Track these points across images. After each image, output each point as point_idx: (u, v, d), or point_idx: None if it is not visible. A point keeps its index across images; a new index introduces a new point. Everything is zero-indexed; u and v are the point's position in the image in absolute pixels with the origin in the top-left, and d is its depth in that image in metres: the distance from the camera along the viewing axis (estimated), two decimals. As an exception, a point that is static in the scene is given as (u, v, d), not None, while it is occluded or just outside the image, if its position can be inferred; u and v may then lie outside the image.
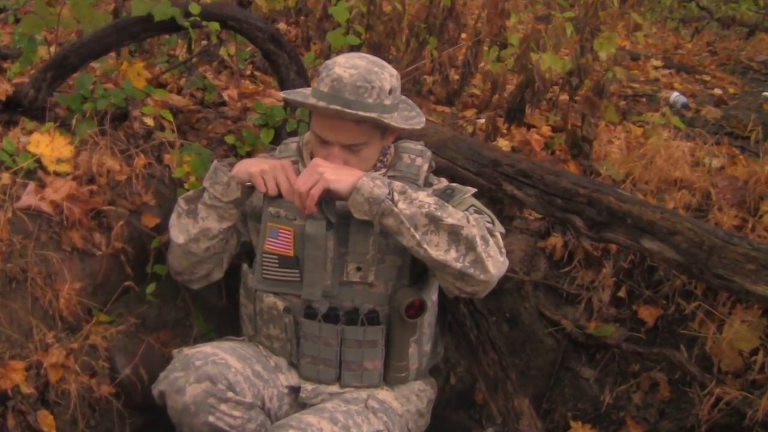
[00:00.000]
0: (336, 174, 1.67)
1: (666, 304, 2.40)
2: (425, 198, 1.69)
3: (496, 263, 1.71)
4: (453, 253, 1.67)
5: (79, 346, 2.03)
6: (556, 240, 2.59)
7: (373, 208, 1.67)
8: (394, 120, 1.77)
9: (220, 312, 2.41)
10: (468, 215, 1.72)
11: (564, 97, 3.53)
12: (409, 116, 1.88)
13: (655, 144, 2.84)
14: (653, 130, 3.03)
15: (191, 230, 1.88)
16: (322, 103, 1.72)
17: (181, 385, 1.71)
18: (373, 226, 1.77)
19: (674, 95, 4.38)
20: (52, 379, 1.94)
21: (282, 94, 2.02)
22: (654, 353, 2.34)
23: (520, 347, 2.57)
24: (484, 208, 1.84)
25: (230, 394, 1.71)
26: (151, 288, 2.21)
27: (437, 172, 2.54)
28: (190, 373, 1.72)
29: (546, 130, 3.22)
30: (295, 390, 1.89)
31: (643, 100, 4.43)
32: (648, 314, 2.42)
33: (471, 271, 1.69)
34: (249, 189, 1.83)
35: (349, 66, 1.75)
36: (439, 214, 1.66)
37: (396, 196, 1.66)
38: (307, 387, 1.88)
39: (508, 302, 2.58)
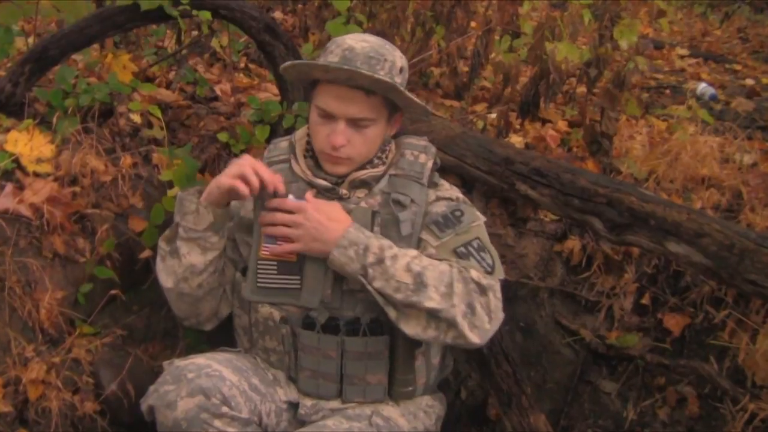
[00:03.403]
0: (312, 241, 1.71)
1: (694, 312, 2.40)
2: (403, 275, 1.68)
3: (483, 332, 1.72)
4: (432, 332, 1.71)
5: (60, 360, 2.03)
6: (573, 243, 2.59)
7: (349, 277, 1.74)
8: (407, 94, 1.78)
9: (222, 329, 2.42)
10: (454, 270, 1.71)
11: (581, 89, 3.52)
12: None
13: (680, 139, 2.83)
14: (678, 125, 3.02)
15: (177, 270, 1.87)
16: (334, 64, 1.72)
17: (172, 399, 1.71)
18: (371, 230, 1.78)
19: (702, 86, 4.37)
20: (32, 396, 1.94)
21: (283, 66, 1.85)
22: (681, 365, 2.33)
23: (536, 359, 2.56)
24: (488, 245, 1.83)
25: (225, 409, 1.70)
26: (85, 288, 2.19)
27: (445, 170, 2.54)
28: (182, 386, 1.71)
29: (562, 125, 3.22)
30: (294, 405, 1.89)
31: (668, 91, 4.42)
32: (674, 323, 2.41)
33: (452, 342, 1.73)
34: (224, 210, 1.83)
35: (360, 39, 1.78)
36: (415, 299, 1.67)
37: (370, 272, 1.68)
38: (307, 403, 1.87)
39: (523, 310, 2.58)
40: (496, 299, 1.74)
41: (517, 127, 3.21)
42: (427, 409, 1.97)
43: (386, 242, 1.71)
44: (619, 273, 2.53)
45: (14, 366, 1.94)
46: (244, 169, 1.71)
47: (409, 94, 1.75)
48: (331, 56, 1.76)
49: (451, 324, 1.68)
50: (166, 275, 1.89)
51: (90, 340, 2.14)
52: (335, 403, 1.87)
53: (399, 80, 1.78)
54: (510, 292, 2.57)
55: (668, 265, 2.46)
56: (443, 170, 2.56)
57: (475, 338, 1.70)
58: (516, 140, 3.03)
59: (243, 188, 1.71)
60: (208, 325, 2.02)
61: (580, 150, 2.99)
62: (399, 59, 1.80)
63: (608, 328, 2.50)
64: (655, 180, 2.69)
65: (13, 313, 2.01)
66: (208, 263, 1.86)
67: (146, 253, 2.27)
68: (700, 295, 2.39)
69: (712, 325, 2.35)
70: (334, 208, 1.75)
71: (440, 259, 1.74)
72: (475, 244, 1.79)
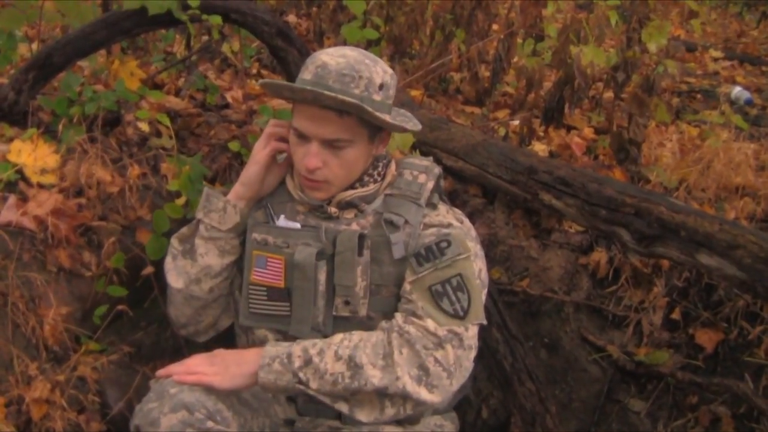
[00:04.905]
0: (221, 377, 1.71)
1: (727, 327, 2.39)
2: (335, 366, 1.67)
3: (443, 390, 1.69)
4: (390, 410, 1.69)
5: (65, 379, 2.03)
6: (600, 255, 2.58)
7: (288, 392, 1.75)
8: (383, 116, 1.72)
9: (219, 340, 2.42)
10: (393, 335, 1.68)
11: (608, 94, 3.52)
12: (403, 120, 1.84)
13: (713, 146, 2.83)
14: (711, 131, 3.02)
15: (190, 271, 1.87)
16: (299, 84, 1.71)
17: (155, 417, 1.70)
18: (360, 254, 1.76)
19: (736, 90, 4.36)
20: (35, 416, 1.94)
21: (259, 83, 1.92)
22: (714, 384, 2.32)
23: (561, 377, 2.55)
24: (470, 282, 1.74)
25: (210, 424, 1.68)
26: (100, 311, 2.19)
27: (466, 180, 2.55)
28: (165, 402, 1.70)
29: (588, 132, 3.23)
30: (292, 423, 1.89)
31: (700, 96, 4.42)
32: (707, 339, 2.40)
33: (416, 411, 1.72)
34: (248, 212, 1.85)
35: (337, 55, 1.74)
36: (356, 385, 1.66)
37: (302, 376, 1.67)
38: (305, 418, 1.89)
39: (547, 326, 2.57)
40: (459, 350, 1.69)
41: (541, 134, 3.21)
42: (436, 429, 1.93)
43: (307, 342, 1.70)
44: (648, 286, 2.52)
45: (17, 385, 1.95)
46: (269, 131, 1.85)
47: (379, 115, 1.68)
48: (306, 73, 1.73)
49: (404, 396, 1.66)
50: (176, 275, 1.89)
51: (96, 357, 2.14)
52: (334, 422, 1.87)
53: (378, 98, 1.73)
54: (534, 307, 2.57)
55: (700, 278, 2.45)
56: (463, 180, 2.57)
57: (437, 398, 1.68)
58: (540, 148, 3.03)
59: (281, 144, 1.83)
60: (203, 337, 2.01)
61: (607, 158, 2.98)
62: (379, 75, 1.74)
63: (637, 344, 2.50)
64: (686, 189, 2.68)
65: (16, 329, 2.02)
66: (224, 267, 1.87)
67: (149, 270, 2.27)
68: (734, 309, 2.38)
69: (747, 341, 2.34)
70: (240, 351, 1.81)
71: (410, 300, 1.72)
72: (454, 281, 1.73)
